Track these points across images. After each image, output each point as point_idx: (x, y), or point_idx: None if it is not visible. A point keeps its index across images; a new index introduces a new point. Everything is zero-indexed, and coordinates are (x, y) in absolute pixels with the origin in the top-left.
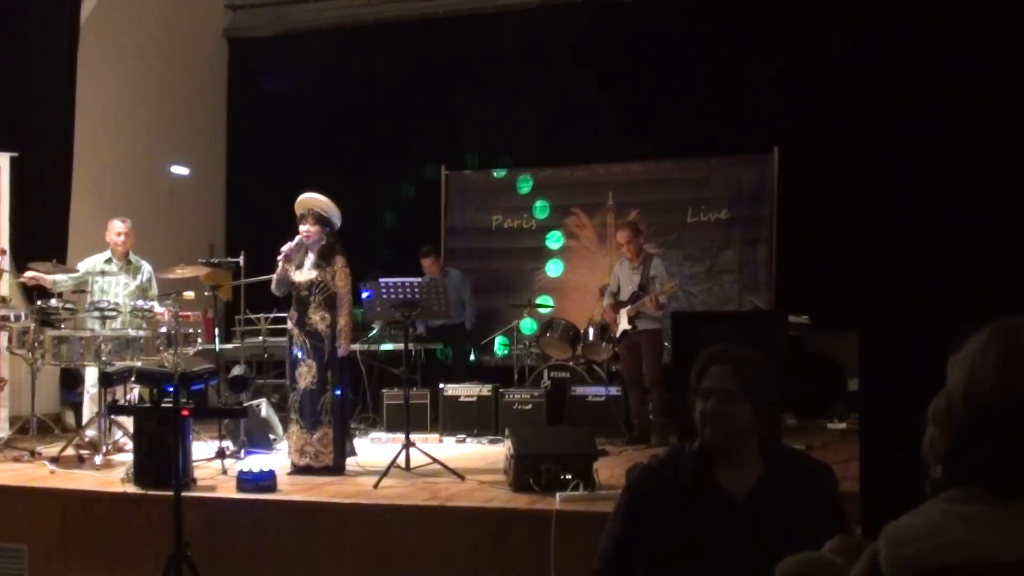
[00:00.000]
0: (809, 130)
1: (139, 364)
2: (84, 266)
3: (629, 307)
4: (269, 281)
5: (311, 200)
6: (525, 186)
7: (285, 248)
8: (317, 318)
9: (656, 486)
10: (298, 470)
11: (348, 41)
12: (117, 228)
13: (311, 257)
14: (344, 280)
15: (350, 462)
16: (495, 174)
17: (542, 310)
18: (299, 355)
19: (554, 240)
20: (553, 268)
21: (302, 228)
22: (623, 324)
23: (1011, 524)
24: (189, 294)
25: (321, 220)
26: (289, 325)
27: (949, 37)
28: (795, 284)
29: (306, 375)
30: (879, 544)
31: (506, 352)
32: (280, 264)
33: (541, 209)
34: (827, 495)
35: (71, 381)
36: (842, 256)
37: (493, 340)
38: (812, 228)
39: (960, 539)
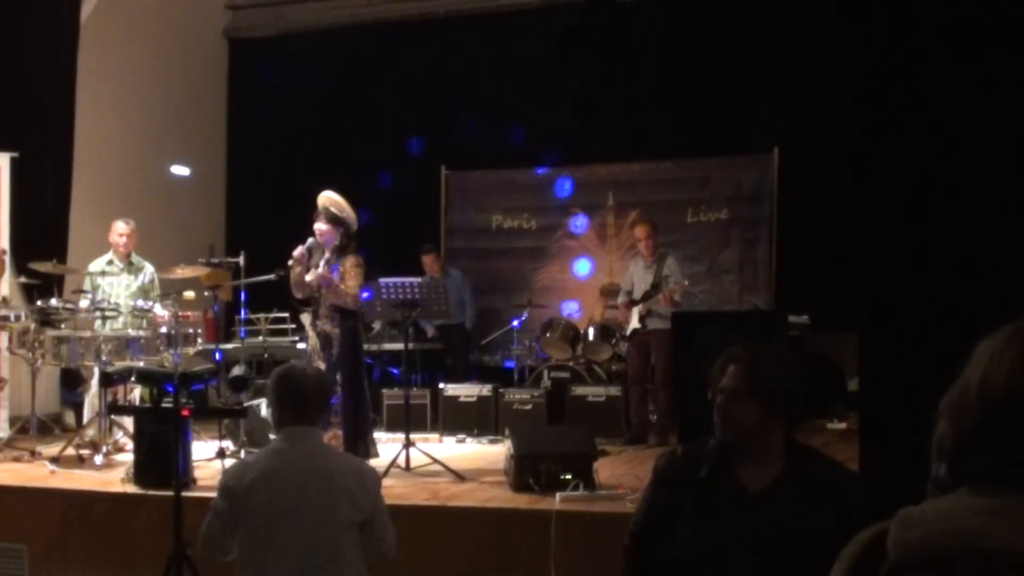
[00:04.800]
0: (809, 130)
1: (140, 364)
2: (92, 268)
3: (641, 305)
4: (268, 282)
5: (327, 199)
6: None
7: (296, 252)
8: (326, 319)
9: (677, 475)
10: None
11: (348, 41)
12: (120, 229)
13: (326, 256)
14: (354, 280)
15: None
16: (495, 174)
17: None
18: (309, 356)
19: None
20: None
21: (315, 226)
22: (634, 322)
23: (1021, 514)
24: (189, 294)
25: (333, 219)
26: (306, 324)
27: (949, 36)
28: (795, 284)
29: None
30: (888, 524)
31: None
32: (291, 268)
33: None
34: (841, 508)
35: (71, 381)
36: (842, 256)
37: (493, 340)
38: (812, 228)
39: (967, 527)
